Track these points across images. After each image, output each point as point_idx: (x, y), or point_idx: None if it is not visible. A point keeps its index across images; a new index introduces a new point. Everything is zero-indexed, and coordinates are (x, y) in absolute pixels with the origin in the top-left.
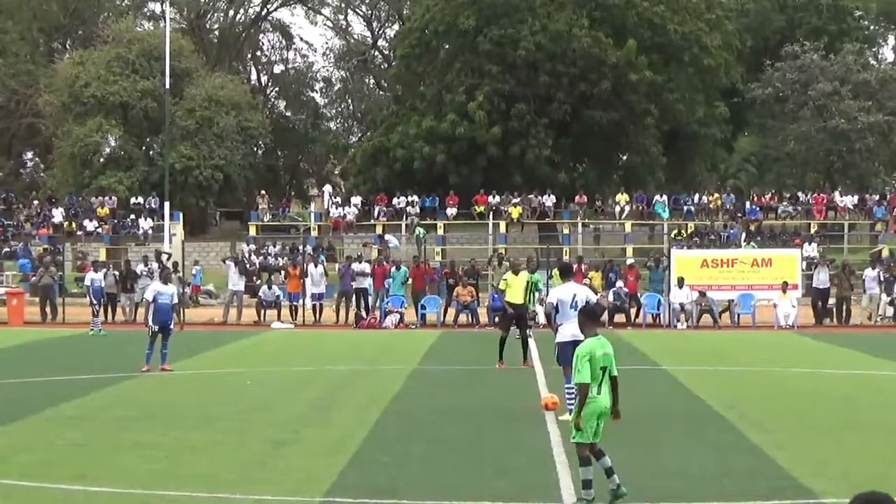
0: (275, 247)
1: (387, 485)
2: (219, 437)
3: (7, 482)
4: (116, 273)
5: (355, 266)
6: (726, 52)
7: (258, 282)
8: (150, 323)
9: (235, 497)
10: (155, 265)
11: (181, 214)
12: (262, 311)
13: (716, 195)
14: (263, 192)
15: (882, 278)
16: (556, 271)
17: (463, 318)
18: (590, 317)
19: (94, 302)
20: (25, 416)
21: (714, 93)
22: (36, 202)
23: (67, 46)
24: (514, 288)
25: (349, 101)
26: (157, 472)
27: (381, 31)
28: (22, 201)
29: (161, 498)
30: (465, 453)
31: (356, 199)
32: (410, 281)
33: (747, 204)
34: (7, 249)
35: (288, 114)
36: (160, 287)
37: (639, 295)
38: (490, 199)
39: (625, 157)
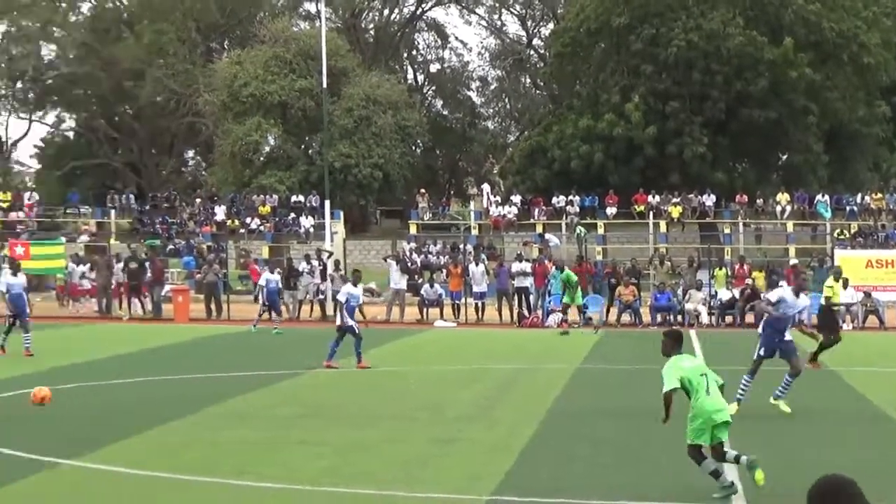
0: (435, 245)
1: (552, 484)
2: (383, 435)
3: (176, 476)
4: (279, 271)
5: (515, 265)
6: (885, 50)
7: (420, 280)
8: (346, 322)
9: (400, 495)
10: (316, 263)
11: (342, 213)
12: (425, 310)
13: (879, 195)
14: (423, 190)
15: None
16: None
17: (625, 317)
18: (675, 339)
19: (266, 302)
20: (192, 413)
21: (874, 91)
22: (198, 200)
23: (225, 46)
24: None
25: (506, 100)
26: (322, 470)
27: (535, 30)
28: (185, 199)
29: (327, 495)
30: (629, 453)
31: (516, 198)
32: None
33: None
34: (171, 247)
35: (445, 113)
36: (351, 289)
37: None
38: (650, 198)
39: (785, 157)
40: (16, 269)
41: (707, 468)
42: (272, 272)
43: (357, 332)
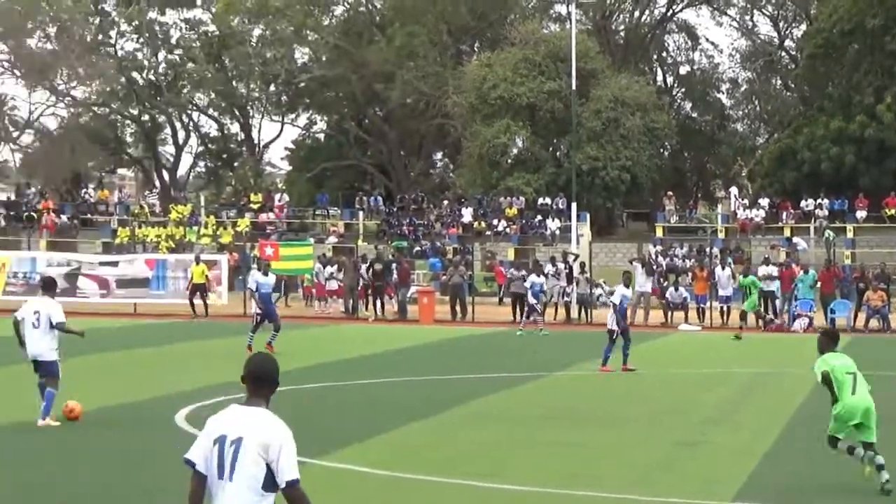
0: (681, 248)
1: (796, 488)
2: (625, 438)
3: (419, 477)
4: (524, 272)
5: (762, 269)
6: None
7: (665, 283)
8: (614, 326)
9: (642, 499)
10: (562, 265)
11: (588, 215)
12: (670, 313)
13: None
14: (670, 192)
15: None
16: None
17: (874, 322)
18: (830, 338)
19: (535, 302)
20: (435, 414)
21: None
22: (446, 202)
23: (475, 49)
24: None
25: (756, 101)
26: (564, 472)
27: (787, 31)
28: (432, 201)
29: (568, 497)
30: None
31: (764, 201)
32: (819, 284)
33: None
34: (418, 248)
35: (694, 115)
36: (624, 291)
37: None
38: None
39: None
40: (265, 269)
41: (841, 449)
42: (538, 275)
43: (624, 334)
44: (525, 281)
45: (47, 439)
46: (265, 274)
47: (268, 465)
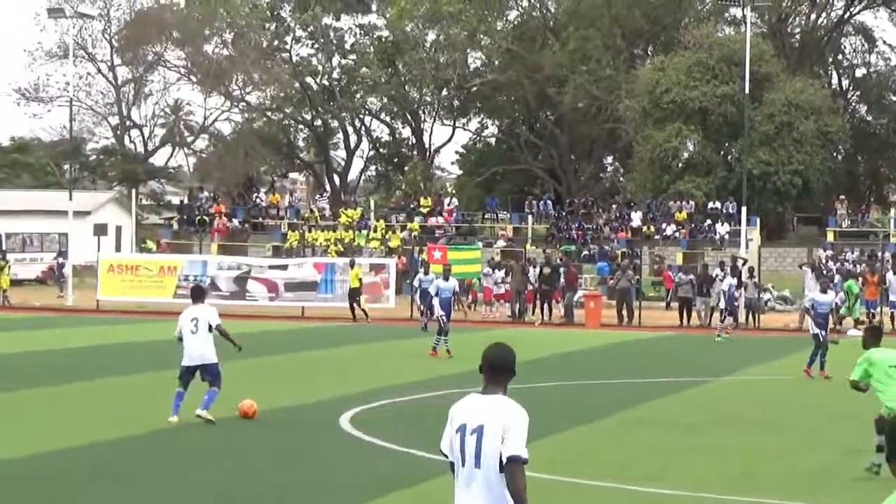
0: (853, 253)
1: None
2: (790, 444)
3: (580, 481)
4: (693, 277)
5: None
6: None
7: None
8: (817, 329)
9: None
10: (729, 270)
11: (758, 219)
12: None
13: None
14: (842, 197)
15: None
16: None
17: None
18: (872, 334)
19: (729, 307)
20: (600, 418)
21: None
22: (615, 206)
23: (648, 52)
24: None
25: None
26: (727, 478)
27: None
28: (601, 205)
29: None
30: None
31: None
32: None
33: None
34: (586, 252)
35: (869, 118)
36: (819, 297)
37: None
38: None
39: None
40: (447, 274)
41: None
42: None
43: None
44: (722, 283)
45: (219, 438)
46: (446, 279)
47: None
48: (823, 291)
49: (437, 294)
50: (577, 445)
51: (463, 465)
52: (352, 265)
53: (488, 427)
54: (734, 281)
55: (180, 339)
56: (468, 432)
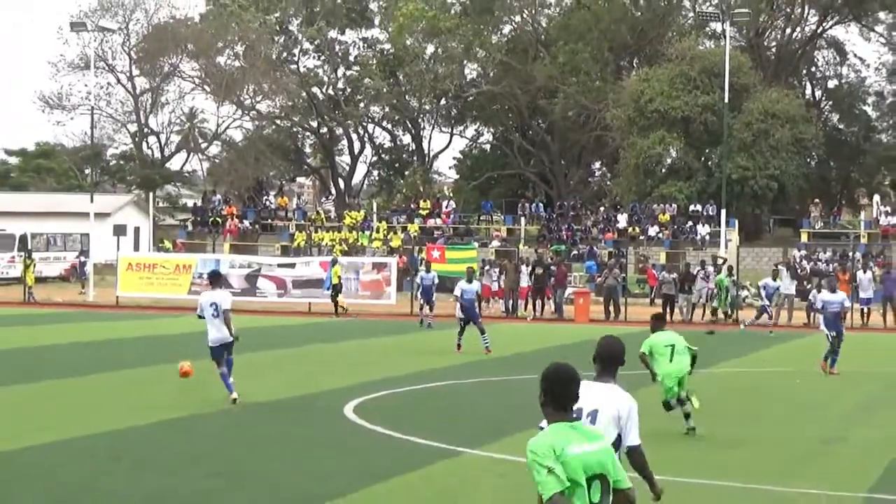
0: (825, 253)
1: None
2: (764, 433)
3: None
4: (675, 275)
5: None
6: None
7: (808, 286)
8: (826, 329)
9: (777, 490)
10: (710, 268)
11: (736, 221)
12: (812, 314)
13: None
14: (816, 200)
15: None
16: None
17: None
18: (656, 319)
19: (768, 304)
20: None
21: None
22: (602, 209)
23: (634, 64)
24: None
25: None
26: (704, 463)
27: None
28: (589, 208)
29: (707, 487)
30: None
31: None
32: None
33: None
34: (575, 252)
35: (841, 126)
36: (828, 297)
37: None
38: None
39: None
40: (470, 276)
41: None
42: (773, 279)
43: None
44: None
45: (231, 426)
46: (469, 281)
47: (618, 432)
48: (832, 291)
49: (461, 296)
50: None
51: None
52: (333, 263)
53: (602, 412)
54: (775, 282)
55: (200, 316)
56: (584, 416)
